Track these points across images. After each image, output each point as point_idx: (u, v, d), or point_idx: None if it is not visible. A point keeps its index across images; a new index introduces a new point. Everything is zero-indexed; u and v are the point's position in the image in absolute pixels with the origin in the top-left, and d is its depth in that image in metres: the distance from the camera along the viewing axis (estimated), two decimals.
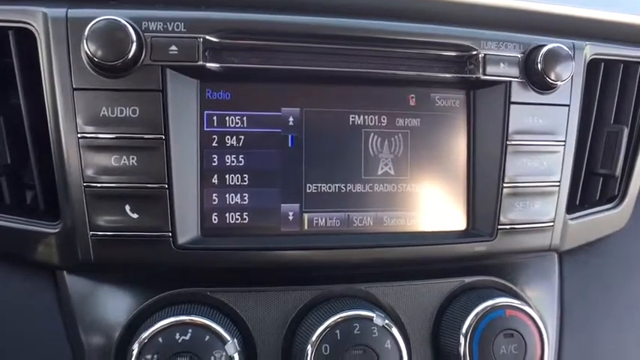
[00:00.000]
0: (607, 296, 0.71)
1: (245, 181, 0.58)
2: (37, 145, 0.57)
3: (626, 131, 0.70)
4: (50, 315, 0.58)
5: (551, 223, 0.65)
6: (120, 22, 0.51)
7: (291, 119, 0.59)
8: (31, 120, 0.56)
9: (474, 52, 0.61)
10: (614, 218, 0.72)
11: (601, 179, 0.72)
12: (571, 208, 0.69)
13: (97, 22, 0.51)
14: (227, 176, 0.58)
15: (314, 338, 0.54)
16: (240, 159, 0.58)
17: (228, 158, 0.58)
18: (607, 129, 0.70)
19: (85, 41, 0.51)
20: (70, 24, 0.53)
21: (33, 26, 0.54)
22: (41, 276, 0.59)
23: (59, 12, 0.54)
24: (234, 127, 0.58)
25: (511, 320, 0.59)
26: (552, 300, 0.69)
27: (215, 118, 0.57)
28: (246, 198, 0.58)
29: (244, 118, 0.58)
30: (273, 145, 0.59)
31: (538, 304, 0.66)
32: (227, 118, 0.58)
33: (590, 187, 0.72)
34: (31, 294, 0.59)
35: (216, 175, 0.58)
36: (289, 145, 0.59)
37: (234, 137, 0.58)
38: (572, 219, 0.68)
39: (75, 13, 0.54)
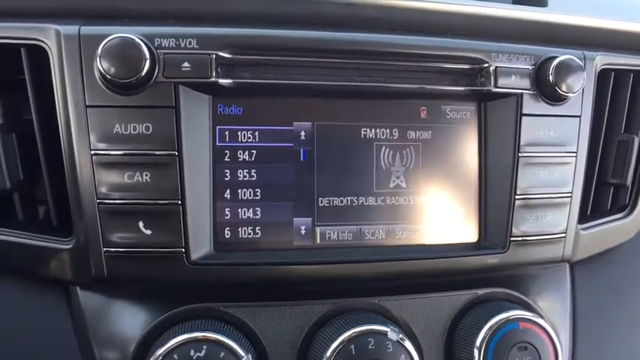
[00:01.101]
0: (620, 306, 0.71)
1: (257, 196, 0.58)
2: (50, 161, 0.57)
3: (636, 140, 0.70)
4: (63, 331, 0.58)
5: (563, 234, 0.65)
6: (133, 39, 0.51)
7: (302, 133, 0.59)
8: (43, 136, 0.57)
9: (486, 65, 0.61)
10: (625, 228, 0.72)
11: (612, 189, 0.72)
12: (582, 218, 0.68)
13: (110, 39, 0.51)
14: (239, 191, 0.58)
15: (328, 353, 0.54)
16: (253, 174, 0.58)
17: (240, 173, 0.58)
18: (618, 138, 0.70)
19: (98, 59, 0.51)
20: (83, 41, 0.53)
21: (46, 43, 0.54)
22: (54, 292, 0.59)
23: (72, 29, 0.54)
24: (247, 142, 0.58)
25: (525, 333, 0.59)
26: (565, 311, 0.68)
27: (227, 133, 0.57)
28: (258, 212, 0.58)
29: (256, 132, 0.58)
30: (285, 159, 0.59)
31: (550, 316, 0.66)
32: (239, 133, 0.58)
33: (601, 196, 0.72)
34: (45, 310, 0.59)
35: (228, 190, 0.58)
36: (301, 159, 0.59)
37: (247, 152, 0.58)
38: (583, 229, 0.68)
39: (88, 30, 0.54)
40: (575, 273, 0.70)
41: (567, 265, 0.70)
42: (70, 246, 0.56)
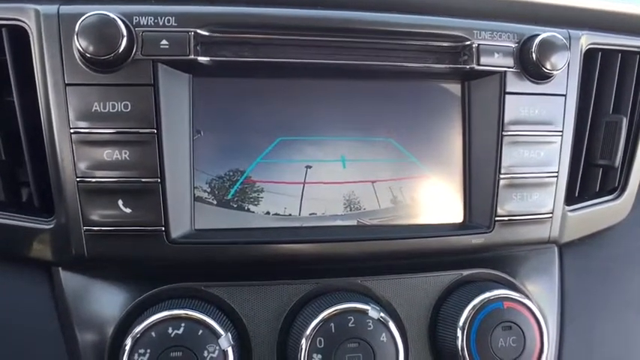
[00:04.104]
0: (609, 289, 0.70)
1: (238, 174, 0.58)
2: (31, 141, 0.57)
3: (625, 121, 0.69)
4: (45, 311, 0.58)
5: (550, 215, 0.64)
6: (110, 16, 0.51)
7: (284, 112, 0.59)
8: (24, 117, 0.57)
9: (468, 43, 0.60)
10: (614, 210, 0.71)
11: (601, 170, 0.71)
12: (570, 199, 0.68)
13: (87, 17, 0.51)
14: (220, 170, 0.58)
15: (308, 332, 0.54)
16: (233, 152, 0.58)
17: (220, 152, 0.57)
18: (606, 119, 0.69)
19: (76, 37, 0.51)
20: (62, 20, 0.53)
21: (26, 23, 0.54)
22: (36, 273, 0.59)
23: (51, 9, 0.54)
24: (226, 120, 0.58)
25: (509, 312, 0.58)
26: (553, 293, 0.68)
27: (207, 111, 0.57)
28: (239, 191, 0.58)
29: (237, 111, 0.58)
30: (266, 138, 0.58)
31: (538, 297, 0.65)
32: (219, 111, 0.57)
33: (589, 178, 0.71)
34: (27, 291, 0.59)
35: (208, 169, 0.57)
36: (283, 138, 0.59)
37: (227, 130, 0.58)
38: (571, 211, 0.67)
39: (67, 9, 0.54)
40: (564, 255, 0.70)
41: (556, 247, 0.69)
42: (51, 226, 0.56)
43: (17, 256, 0.58)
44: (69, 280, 0.58)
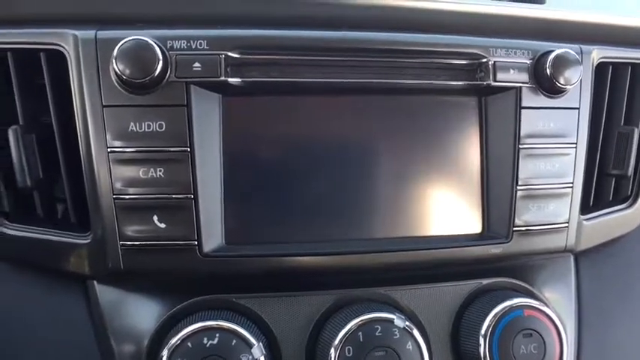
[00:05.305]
0: (624, 296, 0.72)
1: (266, 190, 0.60)
2: (68, 160, 0.59)
3: (636, 132, 0.71)
4: (81, 324, 0.60)
5: (566, 224, 0.66)
6: (147, 41, 0.54)
7: (307, 129, 0.61)
8: (62, 137, 0.59)
9: (484, 60, 0.62)
10: (628, 218, 0.73)
11: (613, 180, 0.73)
12: (585, 209, 0.70)
13: (125, 42, 0.54)
14: (249, 185, 0.60)
15: (337, 341, 0.56)
16: (261, 169, 0.60)
17: (249, 168, 0.60)
18: (618, 130, 0.71)
19: (114, 60, 0.54)
20: (100, 45, 0.56)
21: (64, 48, 0.57)
22: (73, 286, 0.61)
23: (89, 34, 0.57)
24: (255, 138, 0.60)
25: (529, 320, 0.60)
26: (570, 300, 0.69)
27: (237, 129, 0.60)
28: (267, 206, 0.60)
29: (265, 129, 0.60)
30: (291, 155, 0.61)
31: (556, 305, 0.66)
32: (248, 130, 0.60)
33: (603, 188, 0.73)
34: (63, 304, 0.61)
35: (238, 185, 0.60)
36: (307, 154, 0.61)
37: (255, 148, 0.60)
38: (586, 220, 0.69)
39: (104, 34, 0.57)
40: (580, 263, 0.71)
41: (572, 256, 0.71)
42: (87, 241, 0.59)
43: (54, 270, 0.61)
44: (104, 292, 0.60)
